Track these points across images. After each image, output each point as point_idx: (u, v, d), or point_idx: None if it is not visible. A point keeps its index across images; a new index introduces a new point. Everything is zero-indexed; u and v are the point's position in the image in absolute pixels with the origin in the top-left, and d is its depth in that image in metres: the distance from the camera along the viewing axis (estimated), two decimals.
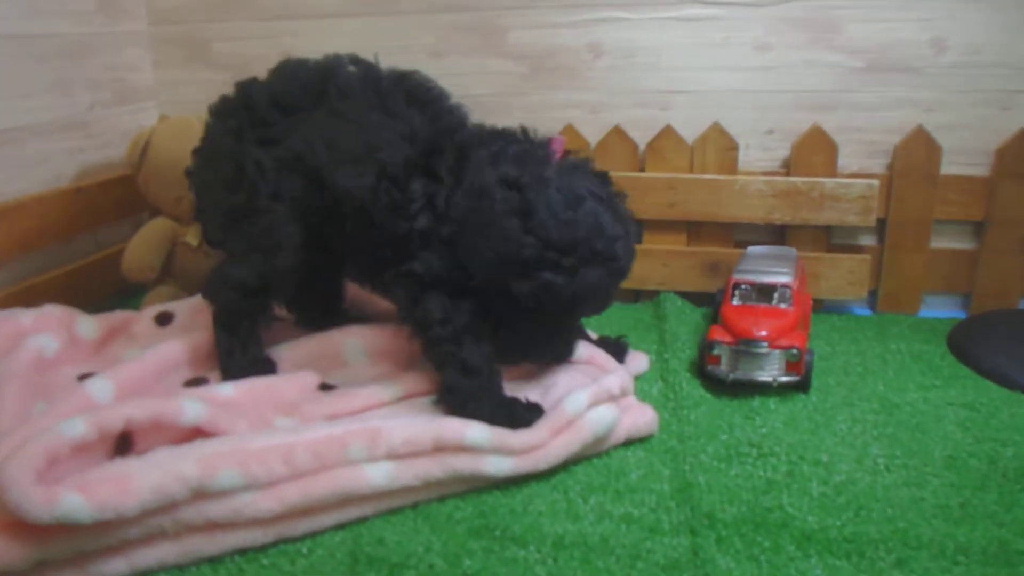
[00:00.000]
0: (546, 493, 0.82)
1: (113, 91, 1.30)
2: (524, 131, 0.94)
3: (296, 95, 0.93)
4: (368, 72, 0.94)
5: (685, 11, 1.24)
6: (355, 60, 0.95)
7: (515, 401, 0.87)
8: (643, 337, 1.16)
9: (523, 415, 0.85)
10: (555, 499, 0.81)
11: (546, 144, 0.92)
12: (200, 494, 0.71)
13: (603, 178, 0.93)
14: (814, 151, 1.22)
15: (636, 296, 1.34)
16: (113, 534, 0.68)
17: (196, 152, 0.98)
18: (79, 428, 0.71)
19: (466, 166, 0.87)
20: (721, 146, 1.24)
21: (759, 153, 1.27)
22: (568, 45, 1.28)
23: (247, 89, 0.96)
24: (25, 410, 0.82)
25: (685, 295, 1.29)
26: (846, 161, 1.24)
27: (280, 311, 1.03)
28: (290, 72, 0.95)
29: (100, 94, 1.27)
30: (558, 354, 0.97)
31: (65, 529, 0.66)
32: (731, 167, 1.25)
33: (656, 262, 1.29)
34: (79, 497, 0.65)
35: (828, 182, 1.21)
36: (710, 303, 1.26)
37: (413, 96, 0.93)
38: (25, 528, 0.66)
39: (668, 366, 1.07)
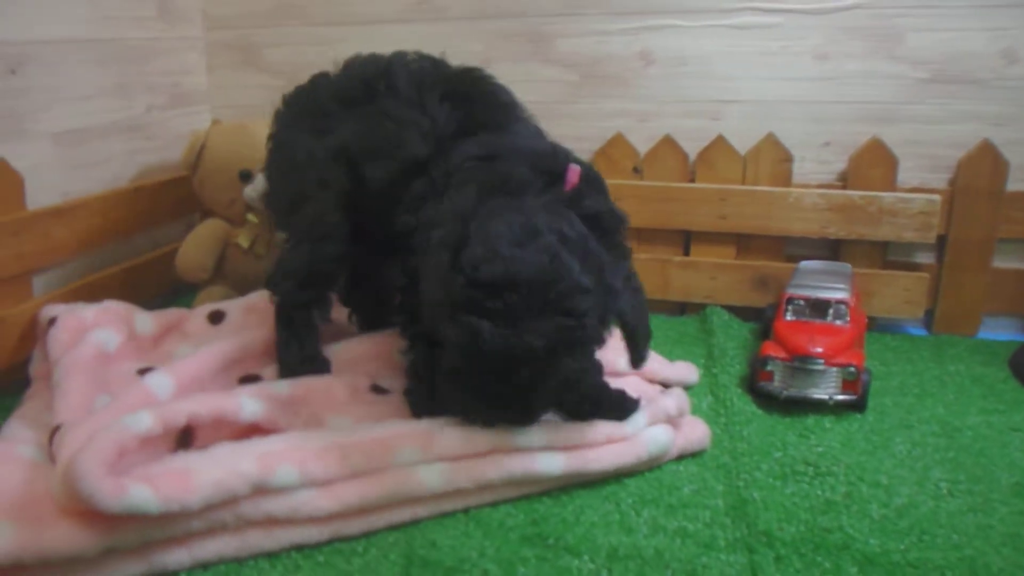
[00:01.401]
0: (598, 504, 0.83)
1: (169, 95, 1.36)
2: (553, 150, 0.88)
3: (355, 88, 0.96)
4: (421, 68, 0.96)
5: (740, 19, 1.25)
6: (418, 57, 0.97)
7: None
8: (689, 351, 1.17)
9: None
10: (607, 510, 0.82)
11: (562, 171, 0.84)
12: (260, 490, 0.73)
13: (598, 219, 0.82)
14: (873, 164, 1.23)
15: (682, 309, 1.36)
16: (177, 526, 0.71)
17: (268, 139, 1.03)
18: (145, 422, 0.75)
19: (452, 181, 0.84)
20: (775, 158, 1.25)
21: (814, 165, 1.28)
22: (618, 53, 1.30)
23: (315, 80, 1.00)
24: (88, 402, 0.86)
25: (732, 309, 1.30)
26: (906, 175, 1.24)
27: (336, 313, 1.05)
28: (355, 66, 0.98)
29: (157, 97, 1.33)
30: (511, 419, 0.82)
31: (132, 519, 0.69)
32: (785, 179, 1.25)
33: (703, 275, 1.30)
34: (147, 489, 0.68)
35: (887, 196, 1.21)
36: (757, 318, 1.27)
37: (452, 93, 0.92)
38: (95, 517, 0.69)
39: (717, 381, 1.07)
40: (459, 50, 1.34)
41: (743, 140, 1.26)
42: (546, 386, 0.78)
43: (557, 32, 1.31)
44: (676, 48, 1.28)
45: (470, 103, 0.92)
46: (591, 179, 0.87)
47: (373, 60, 0.98)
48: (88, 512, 0.70)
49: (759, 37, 1.25)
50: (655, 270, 1.31)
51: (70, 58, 1.14)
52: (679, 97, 1.29)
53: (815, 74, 1.24)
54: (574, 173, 0.83)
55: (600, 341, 0.78)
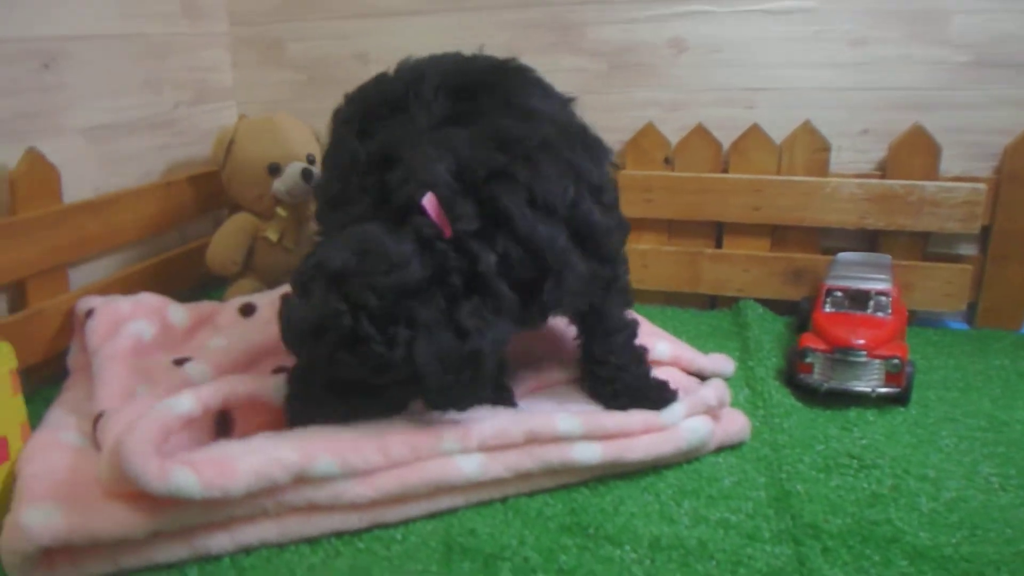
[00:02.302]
0: (637, 495, 0.85)
1: (195, 91, 1.40)
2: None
3: (397, 92, 0.96)
4: (445, 70, 0.95)
5: (774, 4, 1.27)
6: (451, 56, 0.97)
7: None
8: (723, 345, 1.18)
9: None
10: (647, 501, 0.84)
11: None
12: (301, 479, 0.76)
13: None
14: (913, 153, 1.23)
15: (712, 303, 1.37)
16: (220, 511, 0.74)
17: (330, 133, 1.04)
18: (186, 403, 0.79)
19: None
20: (811, 147, 1.26)
21: (852, 155, 1.28)
22: (648, 41, 1.32)
23: (374, 80, 1.01)
24: (128, 390, 0.90)
25: (764, 303, 1.31)
26: (948, 164, 1.24)
27: None
28: (405, 68, 0.98)
29: (184, 93, 1.37)
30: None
31: (177, 503, 0.72)
32: (821, 169, 1.26)
33: (736, 267, 1.32)
34: (191, 473, 0.71)
35: (928, 186, 1.22)
36: (791, 312, 1.28)
37: (464, 96, 0.92)
38: (141, 501, 0.72)
39: (754, 374, 1.09)
40: (485, 41, 1.35)
41: (778, 129, 1.27)
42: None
43: (585, 20, 1.33)
44: (708, 35, 1.29)
45: (477, 113, 0.90)
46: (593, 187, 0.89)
47: (419, 62, 0.98)
48: (134, 495, 0.73)
49: (794, 22, 1.26)
50: (686, 263, 1.33)
51: (100, 54, 1.18)
52: (711, 85, 1.31)
53: (852, 60, 1.25)
54: (427, 204, 0.82)
55: (385, 359, 0.78)
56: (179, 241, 1.36)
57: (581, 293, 0.88)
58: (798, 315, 1.23)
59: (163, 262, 1.28)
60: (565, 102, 0.97)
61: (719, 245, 1.33)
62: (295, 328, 0.81)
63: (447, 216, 0.81)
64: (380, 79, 0.99)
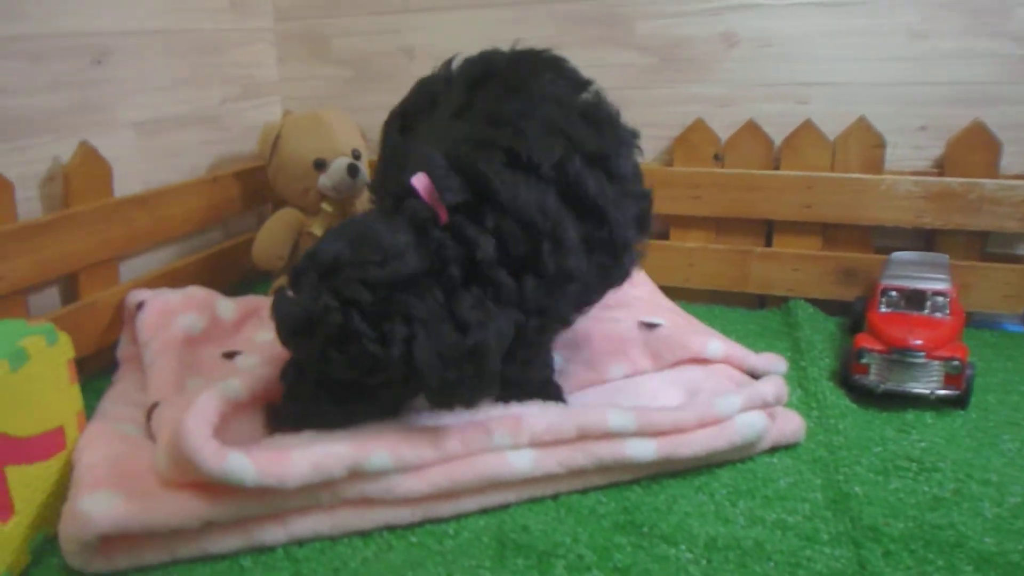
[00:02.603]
0: (690, 494, 0.84)
1: (241, 86, 1.42)
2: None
3: (437, 87, 0.97)
4: (472, 62, 0.95)
5: None
6: (486, 52, 0.96)
7: None
8: (773, 345, 1.17)
9: None
10: (701, 501, 0.83)
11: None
12: (355, 473, 0.77)
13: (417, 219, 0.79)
14: (973, 150, 1.21)
15: (761, 302, 1.35)
16: (274, 502, 0.75)
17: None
18: (235, 387, 0.81)
19: None
20: (866, 143, 1.24)
21: (908, 151, 1.26)
22: (699, 35, 1.31)
23: (423, 77, 1.01)
24: (180, 382, 0.91)
25: (814, 302, 1.29)
26: (1008, 161, 1.21)
27: None
28: (448, 63, 0.99)
29: (230, 89, 1.39)
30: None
31: (231, 493, 0.74)
32: (876, 166, 1.24)
33: (785, 266, 1.30)
34: (246, 460, 0.72)
35: (988, 184, 1.19)
36: (843, 312, 1.27)
37: (477, 86, 0.91)
38: (199, 490, 0.74)
39: (807, 374, 1.08)
40: (529, 35, 1.36)
41: (832, 125, 1.25)
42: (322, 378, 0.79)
43: (634, 14, 1.32)
44: (761, 28, 1.28)
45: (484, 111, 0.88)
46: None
47: (470, 57, 0.97)
48: (190, 485, 0.74)
49: (849, 15, 1.24)
50: (734, 261, 1.32)
51: (150, 49, 1.20)
52: (763, 80, 1.29)
53: (910, 53, 1.23)
54: (418, 183, 0.80)
55: (378, 358, 0.75)
56: (224, 236, 1.38)
57: (579, 261, 0.82)
58: (850, 315, 1.21)
59: (209, 256, 1.30)
60: (580, 86, 0.93)
61: (768, 244, 1.32)
62: (285, 324, 0.78)
63: (439, 196, 0.79)
64: (427, 76, 0.99)
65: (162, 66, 1.23)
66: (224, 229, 1.38)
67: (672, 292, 1.27)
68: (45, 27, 1.02)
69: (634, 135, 0.95)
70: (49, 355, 0.78)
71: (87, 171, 1.07)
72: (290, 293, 0.79)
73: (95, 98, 1.11)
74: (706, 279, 1.34)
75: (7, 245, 0.95)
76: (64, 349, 0.81)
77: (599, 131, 0.87)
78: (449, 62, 0.98)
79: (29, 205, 1.01)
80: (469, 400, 0.80)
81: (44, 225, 1.00)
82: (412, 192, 0.79)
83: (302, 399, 0.81)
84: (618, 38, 1.34)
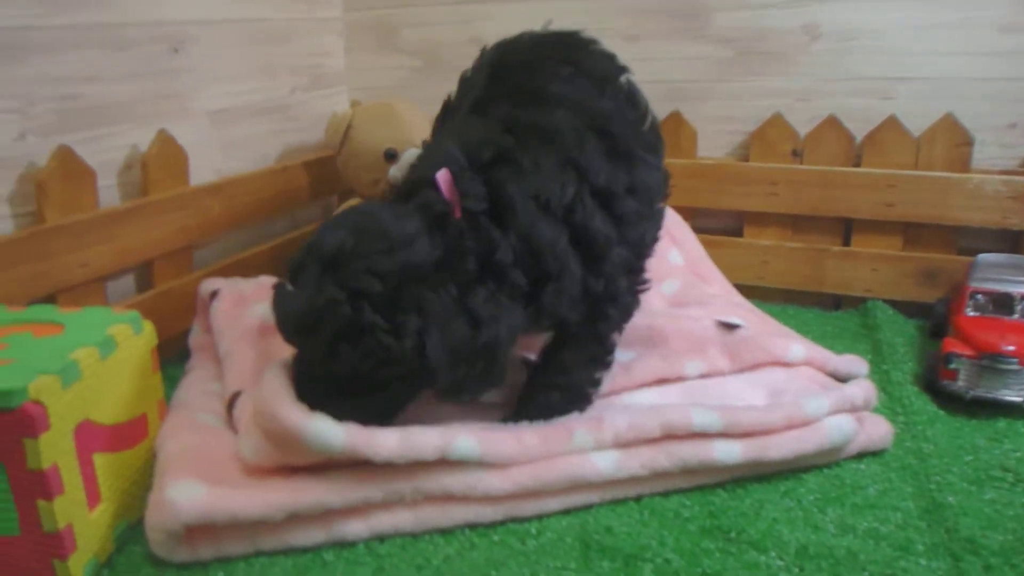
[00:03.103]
0: (777, 500, 0.82)
1: (310, 76, 1.42)
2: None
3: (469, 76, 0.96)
4: (497, 50, 0.92)
5: None
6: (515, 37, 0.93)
7: None
8: (852, 347, 1.14)
9: None
10: (789, 507, 0.81)
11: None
12: (442, 460, 0.76)
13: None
14: None
15: (836, 303, 1.31)
16: (356, 493, 0.74)
17: None
18: None
19: None
20: (952, 141, 1.20)
21: (997, 149, 1.22)
22: (780, 27, 1.27)
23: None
24: (258, 372, 0.90)
25: (893, 304, 1.25)
26: None
27: None
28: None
29: (299, 78, 1.39)
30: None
31: (315, 485, 0.74)
32: (963, 164, 1.20)
33: (864, 267, 1.26)
34: (334, 423, 0.72)
35: None
36: (923, 314, 1.23)
37: (495, 78, 0.89)
38: (283, 480, 0.74)
39: (890, 378, 1.04)
40: (603, 26, 1.33)
41: (916, 121, 1.21)
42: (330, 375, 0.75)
43: (713, 6, 1.29)
44: (845, 21, 1.24)
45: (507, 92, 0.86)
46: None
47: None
48: (274, 473, 0.75)
49: (938, 8, 1.20)
50: (810, 260, 1.28)
51: (225, 38, 1.21)
52: (846, 74, 1.25)
53: (1000, 48, 1.18)
54: (441, 179, 0.78)
55: (392, 351, 0.72)
56: (291, 226, 1.38)
57: (575, 306, 0.81)
58: (932, 318, 1.17)
59: (278, 246, 1.30)
60: (603, 83, 0.88)
61: (846, 243, 1.28)
62: (288, 321, 0.75)
63: (459, 197, 0.76)
64: (467, 68, 0.97)
65: (235, 55, 1.23)
66: (291, 219, 1.39)
67: (745, 290, 1.24)
68: (127, 16, 1.03)
69: (653, 146, 0.89)
70: (135, 343, 0.79)
71: (165, 159, 1.08)
72: (289, 288, 0.75)
73: (172, 87, 1.12)
74: (780, 278, 1.30)
75: (90, 233, 0.96)
76: (148, 338, 0.81)
77: (616, 157, 0.83)
78: (484, 51, 0.95)
79: (108, 193, 1.02)
80: (476, 393, 0.79)
81: (124, 213, 1.01)
82: (428, 183, 0.77)
83: (309, 398, 0.75)
84: (694, 30, 1.31)
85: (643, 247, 0.87)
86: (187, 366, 1.03)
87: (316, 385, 0.76)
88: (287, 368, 0.79)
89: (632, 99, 0.89)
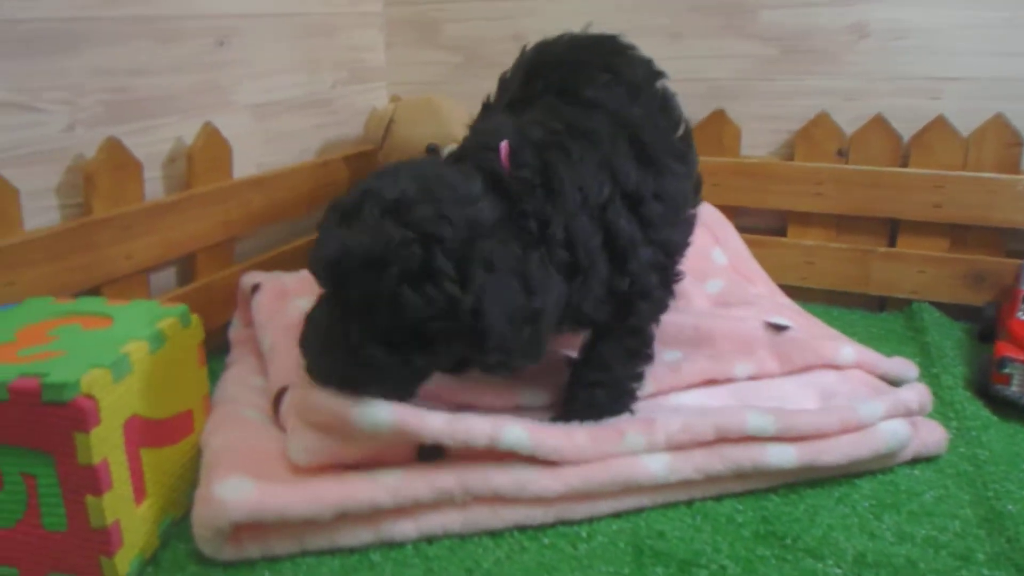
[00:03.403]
0: (831, 506, 0.79)
1: (350, 70, 1.39)
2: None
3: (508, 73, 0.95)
4: (535, 48, 0.91)
5: None
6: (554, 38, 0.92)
7: None
8: (899, 349, 1.09)
9: None
10: (844, 513, 0.78)
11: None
12: (491, 449, 0.73)
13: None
14: None
15: (882, 304, 1.27)
16: (407, 493, 0.71)
17: None
18: None
19: None
20: (1002, 141, 1.15)
21: None
22: (827, 25, 1.22)
23: None
24: (300, 364, 0.87)
25: (939, 306, 1.21)
26: None
27: None
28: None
29: (340, 73, 1.36)
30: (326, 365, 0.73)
31: (365, 484, 0.71)
32: (1012, 165, 1.15)
33: (910, 268, 1.22)
34: (381, 403, 0.71)
35: None
36: (969, 317, 1.18)
37: (531, 78, 0.88)
38: (333, 479, 0.71)
39: (940, 382, 1.00)
40: (647, 23, 1.31)
41: (965, 122, 1.16)
42: (376, 325, 0.69)
43: (759, 3, 1.25)
44: (894, 20, 1.19)
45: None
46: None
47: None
48: (324, 471, 0.72)
49: (988, 7, 1.15)
50: (855, 260, 1.24)
51: (269, 32, 1.18)
52: (893, 74, 1.21)
53: None
54: (503, 147, 0.75)
55: (455, 302, 0.67)
56: None
57: (599, 307, 0.78)
58: (981, 321, 1.13)
59: (313, 242, 1.26)
60: (638, 90, 0.85)
61: (892, 243, 1.24)
62: (347, 258, 0.67)
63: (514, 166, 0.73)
64: (506, 69, 0.96)
65: (278, 49, 1.21)
66: None
67: (789, 291, 1.20)
68: (175, 8, 1.01)
69: (683, 155, 0.86)
70: (183, 337, 0.76)
71: (210, 152, 1.05)
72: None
73: (216, 80, 1.09)
74: (825, 278, 1.26)
75: (136, 225, 0.94)
76: (196, 332, 0.79)
77: (645, 163, 0.80)
78: (524, 51, 0.93)
79: (152, 185, 1.00)
80: (514, 366, 0.74)
81: (169, 205, 0.98)
82: (489, 148, 0.74)
83: (341, 351, 0.70)
84: (739, 27, 1.26)
85: (671, 248, 0.84)
86: (228, 360, 1.00)
87: (348, 340, 0.70)
88: None
89: (666, 107, 0.87)
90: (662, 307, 0.85)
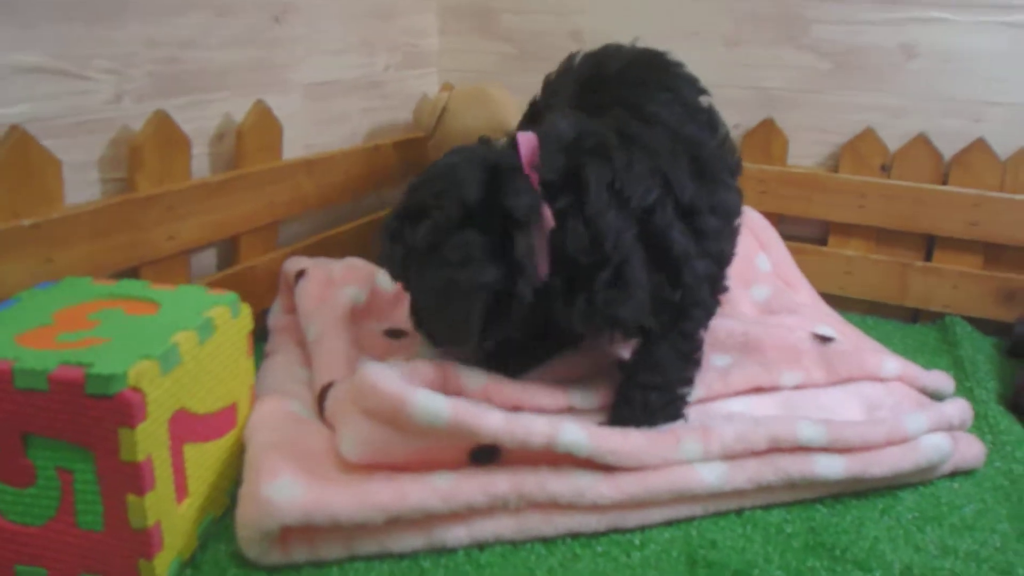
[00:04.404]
0: (875, 517, 0.73)
1: (404, 54, 1.28)
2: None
3: (560, 83, 0.89)
4: (589, 61, 0.86)
5: (1017, 16, 1.07)
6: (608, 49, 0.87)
7: None
8: (933, 361, 1.02)
9: None
10: (888, 525, 0.72)
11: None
12: (548, 450, 0.66)
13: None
14: None
15: (914, 316, 1.19)
16: (460, 498, 0.64)
17: None
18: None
19: None
20: None
21: None
22: (878, 44, 1.14)
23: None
24: (352, 360, 0.79)
25: (970, 321, 1.13)
26: None
27: None
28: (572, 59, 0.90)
29: (394, 56, 1.25)
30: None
31: (418, 487, 0.63)
32: None
33: (945, 283, 1.14)
34: (440, 397, 0.64)
35: None
36: (999, 333, 1.11)
37: (589, 88, 0.84)
38: (385, 481, 0.63)
39: (973, 396, 0.93)
40: (705, 29, 1.21)
41: (1005, 145, 1.09)
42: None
43: (814, 17, 1.16)
44: (943, 43, 1.11)
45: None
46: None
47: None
48: (376, 471, 0.64)
49: None
50: (892, 273, 1.16)
51: (325, 10, 1.07)
52: (939, 95, 1.12)
53: None
54: (524, 141, 0.74)
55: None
56: (378, 205, 1.24)
57: (640, 311, 0.74)
58: (1012, 337, 1.05)
59: (364, 224, 1.16)
60: (693, 110, 0.83)
61: (928, 258, 1.16)
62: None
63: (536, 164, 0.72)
64: (551, 71, 0.90)
65: (334, 29, 1.10)
66: (378, 198, 1.25)
67: (827, 300, 1.12)
68: None
69: (732, 169, 0.85)
70: (232, 327, 0.67)
71: (260, 131, 0.95)
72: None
73: (271, 57, 0.99)
74: (864, 289, 1.18)
75: (181, 205, 0.84)
76: (245, 321, 0.69)
77: (701, 179, 0.78)
78: (571, 57, 0.88)
79: (198, 162, 0.89)
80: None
81: (216, 185, 0.88)
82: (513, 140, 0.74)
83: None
84: (794, 39, 1.17)
85: (724, 259, 0.83)
86: (267, 348, 0.90)
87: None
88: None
89: (712, 123, 0.86)
90: (712, 313, 0.81)
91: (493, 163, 0.71)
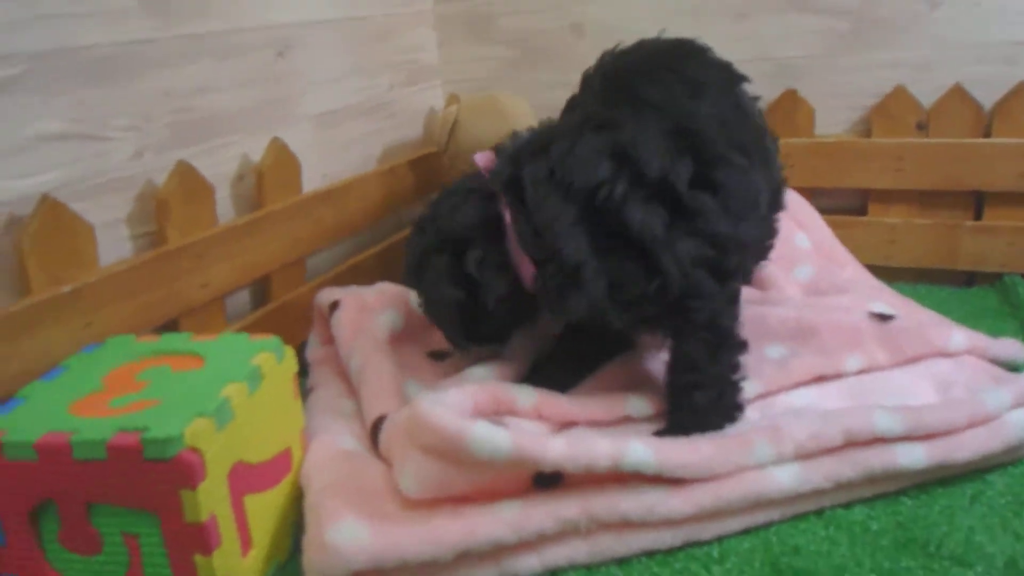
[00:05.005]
0: (966, 505, 0.69)
1: (407, 71, 1.28)
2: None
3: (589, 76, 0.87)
4: (615, 54, 0.84)
5: None
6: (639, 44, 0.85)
7: None
8: (997, 327, 0.97)
9: None
10: (982, 513, 0.68)
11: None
12: (615, 473, 0.65)
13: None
14: None
15: (969, 280, 1.16)
16: (530, 527, 0.63)
17: None
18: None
19: None
20: None
21: None
22: None
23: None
24: (400, 390, 0.79)
25: None
26: None
27: None
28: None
29: (396, 75, 1.25)
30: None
31: (486, 519, 0.62)
32: None
33: (1000, 241, 1.11)
34: (500, 429, 0.62)
35: None
36: None
37: (616, 86, 0.82)
38: (451, 516, 0.63)
39: None
40: (712, 5, 1.18)
41: None
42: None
43: None
44: None
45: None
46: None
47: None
48: (437, 508, 0.64)
49: None
50: (940, 236, 1.13)
51: (325, 39, 1.08)
52: (970, 42, 1.08)
53: None
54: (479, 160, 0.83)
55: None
56: (396, 227, 1.25)
57: (593, 298, 0.73)
58: None
59: (388, 247, 1.17)
60: (702, 86, 0.79)
61: (978, 216, 1.12)
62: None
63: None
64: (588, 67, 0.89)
65: (336, 56, 1.10)
66: (396, 218, 1.25)
67: (872, 271, 1.09)
68: (230, 23, 0.91)
69: (743, 146, 0.79)
70: (278, 372, 0.67)
71: (279, 168, 0.96)
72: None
73: (279, 92, 0.99)
74: (910, 257, 1.15)
75: (211, 251, 0.84)
76: (289, 364, 0.70)
77: (686, 150, 0.74)
78: (606, 53, 0.86)
79: (221, 206, 0.90)
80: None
81: (243, 227, 0.89)
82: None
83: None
84: (807, 3, 1.14)
85: (724, 241, 0.75)
86: (308, 384, 0.90)
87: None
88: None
89: (739, 105, 0.82)
90: (726, 300, 0.77)
91: (466, 189, 0.81)
